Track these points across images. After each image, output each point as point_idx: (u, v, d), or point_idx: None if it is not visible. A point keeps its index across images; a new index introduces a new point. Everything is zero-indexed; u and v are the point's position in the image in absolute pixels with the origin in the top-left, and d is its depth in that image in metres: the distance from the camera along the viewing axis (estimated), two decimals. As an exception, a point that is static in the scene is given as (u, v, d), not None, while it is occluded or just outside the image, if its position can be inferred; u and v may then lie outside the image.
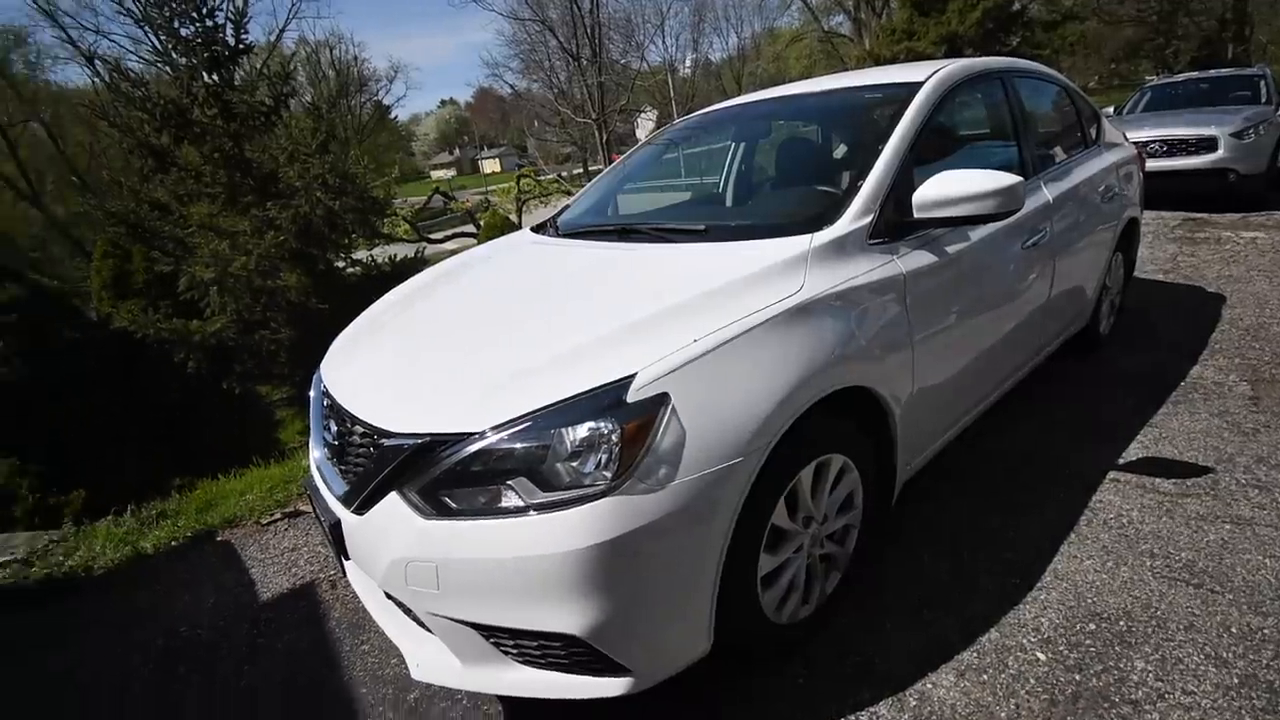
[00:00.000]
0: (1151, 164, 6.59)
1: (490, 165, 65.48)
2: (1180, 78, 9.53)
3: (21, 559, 3.05)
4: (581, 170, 39.81)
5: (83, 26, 35.22)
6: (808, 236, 1.86)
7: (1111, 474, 2.57)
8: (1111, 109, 8.92)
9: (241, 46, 7.65)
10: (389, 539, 1.50)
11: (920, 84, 2.35)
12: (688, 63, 43.24)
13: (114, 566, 2.93)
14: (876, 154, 2.09)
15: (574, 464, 1.39)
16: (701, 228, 2.21)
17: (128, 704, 2.11)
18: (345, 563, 1.80)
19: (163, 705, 2.08)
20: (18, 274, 6.57)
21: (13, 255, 20.69)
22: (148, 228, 7.53)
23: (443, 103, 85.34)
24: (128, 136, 7.40)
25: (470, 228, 17.66)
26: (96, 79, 25.33)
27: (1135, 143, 4.13)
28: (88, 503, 5.46)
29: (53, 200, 27.65)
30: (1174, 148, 6.95)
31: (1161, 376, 3.31)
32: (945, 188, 1.94)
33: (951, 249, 2.14)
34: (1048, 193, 2.75)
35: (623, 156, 3.44)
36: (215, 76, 7.49)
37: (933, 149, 2.28)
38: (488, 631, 1.47)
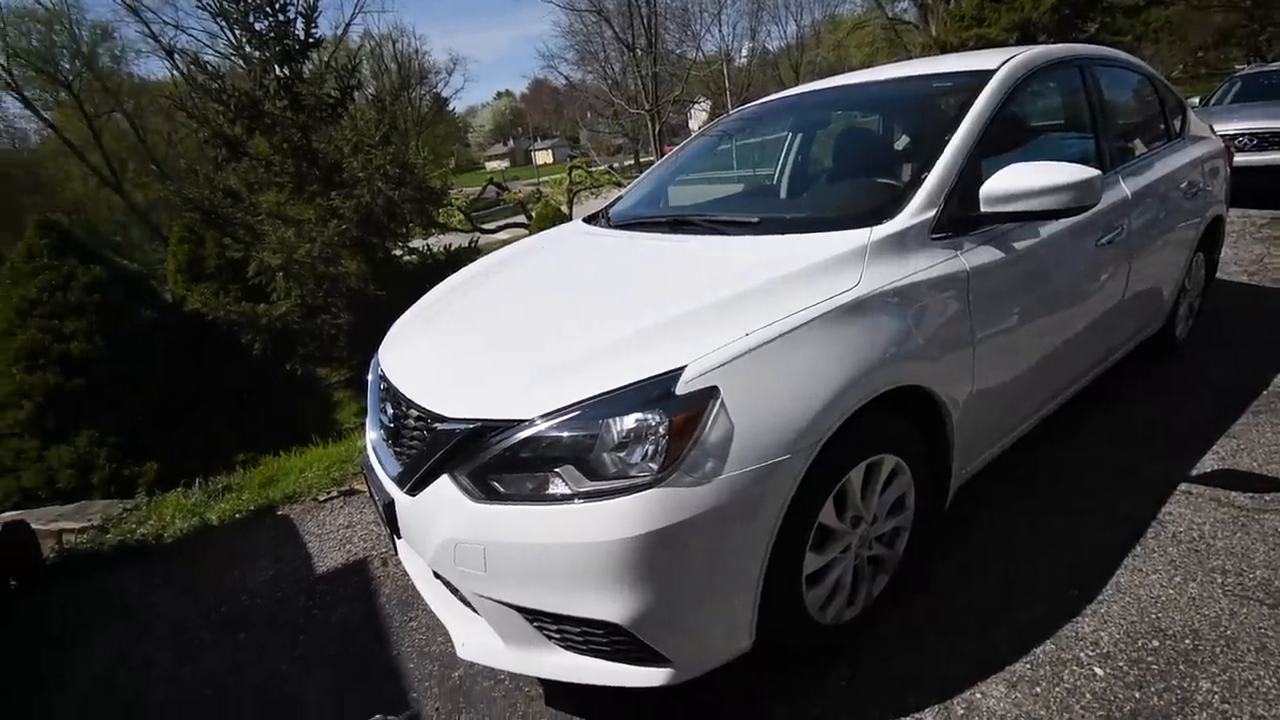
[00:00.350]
0: (1240, 158, 6.19)
1: (543, 156, 66.08)
2: (1274, 67, 8.96)
3: (98, 525, 3.24)
4: (633, 162, 39.84)
5: (164, 21, 36.90)
6: (866, 230, 1.81)
7: (1183, 485, 2.44)
8: (1197, 100, 8.43)
9: (311, 40, 7.90)
10: (439, 520, 1.53)
11: (992, 72, 2.26)
12: (744, 52, 42.65)
13: (182, 536, 3.08)
14: (943, 145, 2.01)
15: (621, 454, 1.39)
16: (755, 220, 2.18)
17: (191, 667, 2.22)
18: (397, 541, 1.85)
19: (222, 670, 2.18)
20: (100, 256, 6.91)
21: (96, 239, 21.87)
22: (220, 214, 7.88)
23: (498, 94, 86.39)
24: (204, 126, 7.75)
25: (522, 218, 17.91)
26: (175, 72, 26.48)
27: (1223, 136, 3.89)
28: (160, 474, 5.73)
29: (133, 187, 29.13)
30: (1265, 141, 6.53)
31: (1241, 384, 3.13)
32: (1016, 181, 1.86)
33: (1020, 245, 2.06)
34: (1126, 188, 2.62)
35: (676, 148, 3.42)
36: (286, 69, 7.76)
37: (1003, 140, 2.19)
38: (532, 615, 1.49)
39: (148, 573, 2.82)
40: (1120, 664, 1.72)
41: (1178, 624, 1.83)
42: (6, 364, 5.93)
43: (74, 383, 5.97)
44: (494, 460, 1.46)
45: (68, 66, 28.54)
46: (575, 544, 1.37)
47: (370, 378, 2.14)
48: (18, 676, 2.31)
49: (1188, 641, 1.77)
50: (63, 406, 5.95)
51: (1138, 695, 1.63)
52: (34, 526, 3.01)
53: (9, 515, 3.21)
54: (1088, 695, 1.65)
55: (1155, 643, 1.78)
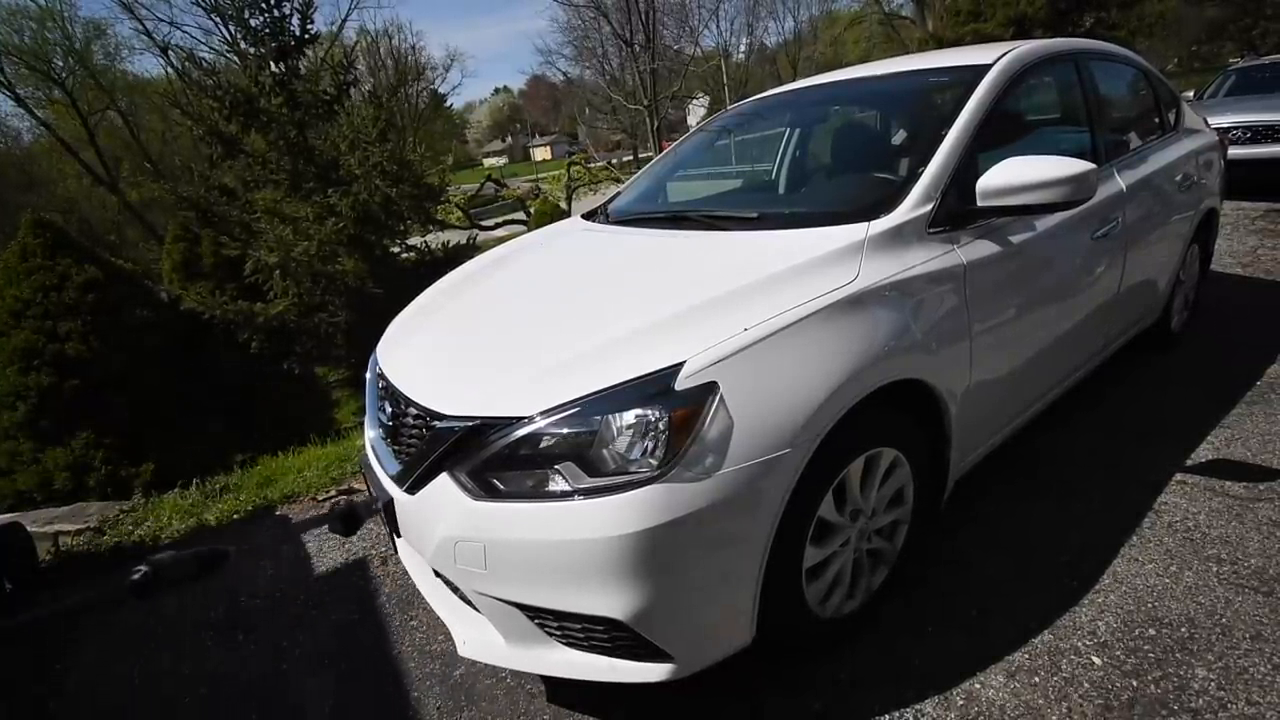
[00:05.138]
0: (1234, 151, 6.21)
1: (541, 153, 65.99)
2: (1268, 60, 8.96)
3: (95, 527, 3.23)
4: (632, 157, 39.75)
5: (158, 18, 36.65)
6: (864, 224, 1.82)
7: (1179, 475, 2.46)
8: (1191, 93, 8.44)
9: (307, 36, 7.85)
10: (439, 518, 1.53)
11: (988, 66, 2.26)
12: (742, 48, 42.64)
13: (180, 537, 3.08)
14: (940, 139, 2.02)
15: (621, 450, 1.39)
16: (754, 215, 2.18)
17: (189, 668, 2.22)
18: (397, 540, 1.85)
19: (221, 671, 2.18)
20: (95, 255, 6.87)
21: (91, 237, 21.76)
22: (216, 212, 7.86)
23: (496, 90, 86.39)
24: (199, 124, 7.71)
25: (521, 215, 17.83)
26: (170, 69, 26.26)
27: (1217, 128, 3.90)
28: (156, 475, 5.72)
29: (128, 186, 28.91)
30: (1259, 134, 6.54)
31: (1236, 375, 3.14)
32: (1012, 174, 1.86)
33: (1016, 239, 2.06)
34: (1121, 181, 2.62)
35: (674, 143, 3.42)
36: (282, 66, 7.72)
37: (999, 134, 2.19)
38: (532, 612, 1.50)
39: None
40: (1118, 653, 1.73)
41: (1174, 613, 1.84)
42: (1, 366, 5.91)
43: (69, 384, 5.95)
44: (493, 458, 1.46)
45: (61, 64, 28.30)
46: (576, 540, 1.37)
47: (369, 376, 2.13)
48: (14, 679, 2.30)
49: (1184, 630, 1.78)
50: (58, 408, 5.93)
51: (1135, 683, 1.64)
52: (30, 529, 3.00)
53: (4, 517, 3.20)
54: (1086, 684, 1.66)
55: (1152, 631, 1.79)
